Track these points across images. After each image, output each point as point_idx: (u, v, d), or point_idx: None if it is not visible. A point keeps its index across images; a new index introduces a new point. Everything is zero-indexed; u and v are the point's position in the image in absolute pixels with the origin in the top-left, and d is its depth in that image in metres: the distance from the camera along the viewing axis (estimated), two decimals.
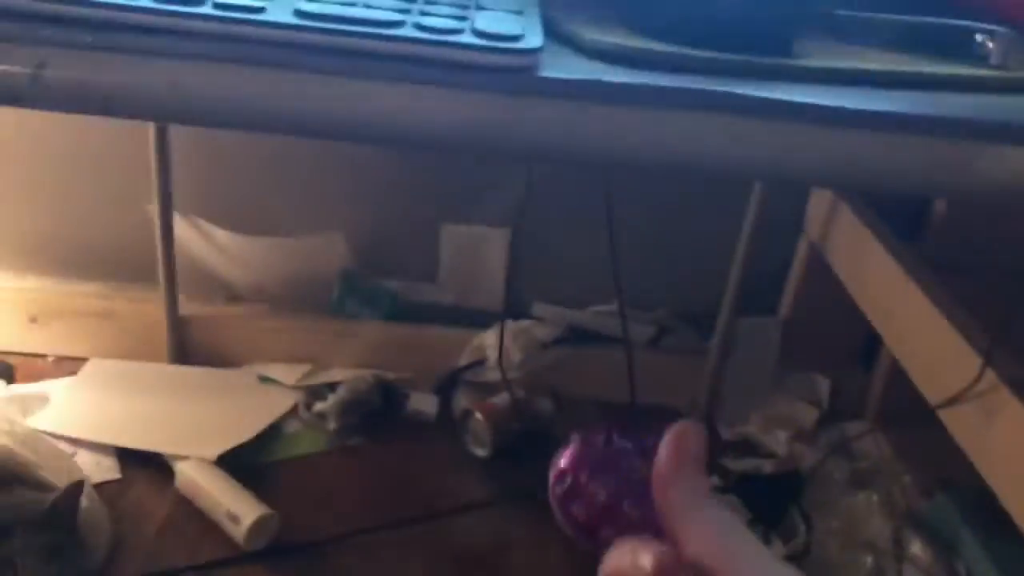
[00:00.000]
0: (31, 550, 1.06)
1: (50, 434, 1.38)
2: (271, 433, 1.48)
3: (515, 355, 1.57)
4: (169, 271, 1.55)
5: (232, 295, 1.67)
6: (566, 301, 1.67)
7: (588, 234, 1.62)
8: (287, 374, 1.59)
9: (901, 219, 1.36)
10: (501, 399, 1.52)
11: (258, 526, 1.24)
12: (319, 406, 1.53)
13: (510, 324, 1.59)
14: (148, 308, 1.60)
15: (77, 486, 1.14)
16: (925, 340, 1.11)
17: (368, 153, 1.55)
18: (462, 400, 1.56)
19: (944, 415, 1.03)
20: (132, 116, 0.54)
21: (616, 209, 1.60)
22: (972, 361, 0.99)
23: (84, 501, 1.17)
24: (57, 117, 1.49)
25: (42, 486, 1.16)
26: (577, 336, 1.64)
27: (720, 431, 1.60)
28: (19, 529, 1.06)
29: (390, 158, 1.56)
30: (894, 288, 1.19)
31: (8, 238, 1.62)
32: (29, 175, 1.58)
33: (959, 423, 1.01)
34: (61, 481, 1.21)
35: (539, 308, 1.66)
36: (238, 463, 1.36)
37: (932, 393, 1.06)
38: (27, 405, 1.44)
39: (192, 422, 1.46)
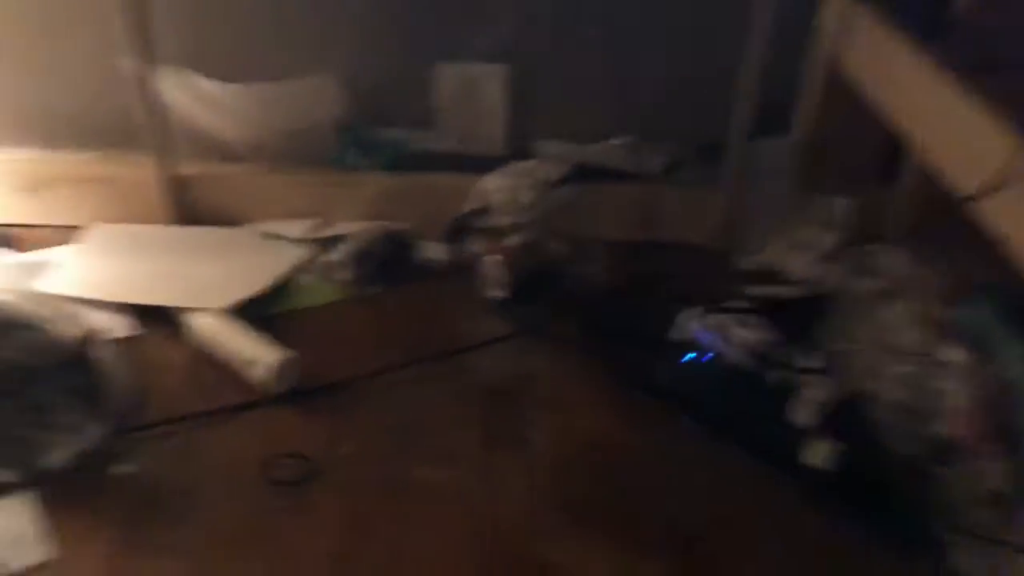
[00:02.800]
0: (59, 391, 1.06)
1: (62, 296, 1.36)
2: (285, 285, 1.47)
3: (523, 196, 1.53)
4: (159, 130, 1.50)
5: (230, 155, 1.63)
6: (571, 137, 1.62)
7: (592, 66, 1.57)
8: (293, 229, 1.57)
9: (920, 22, 1.30)
10: (513, 240, 1.50)
11: (278, 368, 1.24)
12: (330, 257, 1.51)
13: (515, 165, 1.55)
14: (146, 171, 1.56)
15: (91, 333, 1.14)
16: (956, 134, 1.07)
17: None
18: (473, 245, 1.54)
19: (977, 209, 1.00)
20: None
21: (619, 37, 1.55)
22: (1005, 150, 0.96)
23: (104, 350, 1.16)
24: None
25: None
26: (583, 173, 1.60)
27: (738, 261, 1.57)
28: (43, 372, 1.06)
29: None
30: (921, 87, 1.15)
31: (1, 112, 1.57)
32: (13, 47, 1.52)
33: (994, 213, 0.98)
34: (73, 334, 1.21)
35: (543, 146, 1.61)
36: (254, 316, 1.36)
37: (965, 187, 1.03)
38: (33, 270, 1.42)
39: (202, 278, 1.44)
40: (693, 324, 1.31)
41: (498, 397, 1.29)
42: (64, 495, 1.08)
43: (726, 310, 1.35)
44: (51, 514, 1.06)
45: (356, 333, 1.40)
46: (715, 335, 1.23)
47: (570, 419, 1.26)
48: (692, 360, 1.27)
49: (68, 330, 1.18)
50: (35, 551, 1.02)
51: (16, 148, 1.59)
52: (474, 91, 1.58)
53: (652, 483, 1.17)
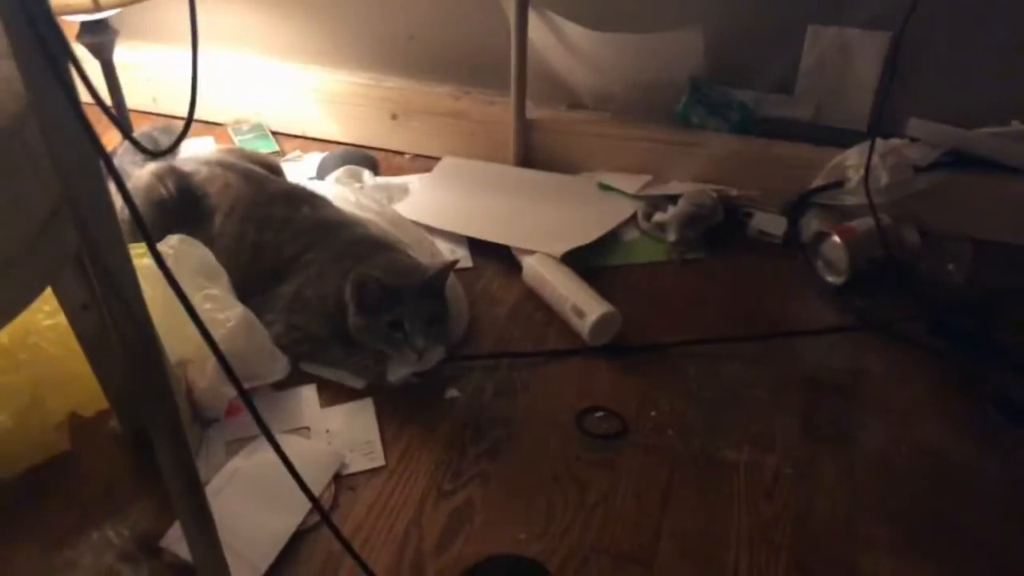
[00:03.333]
0: (416, 314, 1.15)
1: (414, 222, 1.47)
2: (610, 239, 1.47)
3: (881, 177, 1.40)
4: (520, 72, 1.55)
5: (575, 102, 1.65)
6: (949, 120, 1.44)
7: (983, 43, 1.38)
8: (628, 183, 1.56)
9: None
10: (862, 223, 1.38)
11: (603, 322, 1.25)
12: (659, 216, 1.49)
13: (879, 142, 1.41)
14: (497, 110, 1.62)
15: (451, 264, 1.21)
16: None
17: None
18: (815, 222, 1.44)
19: None
20: None
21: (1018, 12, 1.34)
22: None
23: (449, 281, 1.23)
24: None
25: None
26: (958, 160, 1.42)
27: None
28: (405, 293, 1.14)
29: None
30: None
31: (370, 41, 1.70)
32: None
33: None
34: (426, 260, 1.29)
35: (915, 126, 1.45)
36: (579, 264, 1.37)
37: None
38: (392, 193, 1.54)
39: (538, 221, 1.49)
40: None
41: (825, 389, 1.20)
42: (400, 410, 1.17)
43: None
44: (387, 426, 1.15)
45: (676, 298, 1.38)
46: None
47: (904, 425, 1.14)
48: None
49: (425, 257, 1.26)
50: (372, 457, 1.11)
51: (383, 75, 1.72)
52: (846, 58, 1.45)
53: (989, 511, 1.03)
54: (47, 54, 0.56)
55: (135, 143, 0.73)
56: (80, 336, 1.00)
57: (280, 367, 1.21)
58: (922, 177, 1.41)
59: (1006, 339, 1.22)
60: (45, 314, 1.08)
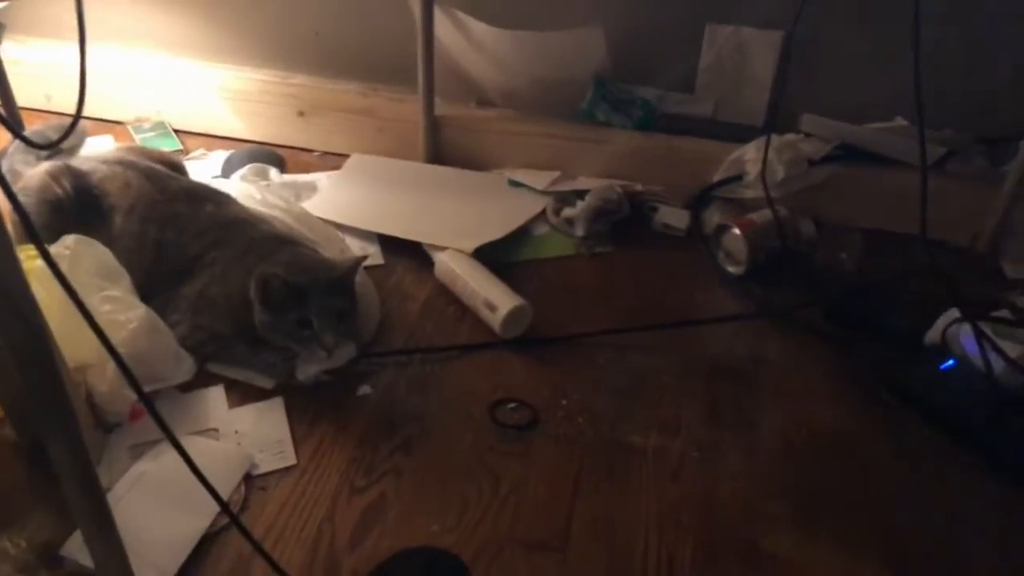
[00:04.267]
0: (323, 311, 1.13)
1: (322, 219, 1.45)
2: (520, 235, 1.49)
3: (778, 171, 1.46)
4: (427, 69, 1.56)
5: (483, 100, 1.66)
6: (839, 115, 1.51)
7: (871, 40, 1.45)
8: (536, 179, 1.58)
9: None
10: (760, 215, 1.44)
11: (514, 315, 1.27)
12: (568, 212, 1.51)
13: (774, 138, 1.47)
14: (406, 107, 1.63)
15: (359, 260, 1.20)
16: None
17: None
18: (716, 215, 1.49)
19: None
20: None
21: (904, 14, 1.41)
22: None
23: (359, 277, 1.23)
24: None
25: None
26: (848, 154, 1.49)
27: (1006, 269, 1.43)
28: (313, 292, 1.13)
29: None
30: None
31: (275, 37, 1.68)
32: None
33: None
34: (335, 257, 1.28)
35: (808, 122, 1.52)
36: (490, 259, 1.38)
37: None
38: (299, 191, 1.52)
39: (448, 217, 1.49)
40: (955, 329, 1.20)
41: (727, 376, 1.24)
42: (311, 409, 1.16)
43: (992, 319, 1.23)
44: (298, 424, 1.14)
45: (586, 290, 1.40)
46: (983, 345, 1.12)
47: (803, 409, 1.19)
48: (952, 368, 1.17)
49: (335, 253, 1.25)
50: (283, 456, 1.10)
51: (289, 72, 1.70)
52: (742, 56, 1.51)
53: (885, 490, 1.09)
54: None
55: (24, 139, 0.71)
56: None
57: (185, 368, 1.18)
58: (816, 170, 1.47)
59: (895, 323, 1.29)
60: None
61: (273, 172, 1.55)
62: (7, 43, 1.38)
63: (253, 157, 1.58)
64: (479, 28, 1.54)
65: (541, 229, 1.52)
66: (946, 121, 1.47)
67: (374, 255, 1.44)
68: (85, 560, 0.91)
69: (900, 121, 1.49)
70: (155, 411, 0.75)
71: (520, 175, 1.60)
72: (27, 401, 0.93)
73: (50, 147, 0.75)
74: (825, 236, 1.45)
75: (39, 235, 0.65)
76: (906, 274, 1.36)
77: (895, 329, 1.27)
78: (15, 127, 0.68)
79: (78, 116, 0.76)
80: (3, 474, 1.06)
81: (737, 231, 1.40)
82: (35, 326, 0.67)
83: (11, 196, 0.61)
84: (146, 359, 1.11)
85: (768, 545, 1.01)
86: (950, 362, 1.18)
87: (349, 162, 1.64)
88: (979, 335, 1.11)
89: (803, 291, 1.38)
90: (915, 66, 1.10)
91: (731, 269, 1.43)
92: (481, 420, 1.16)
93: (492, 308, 1.28)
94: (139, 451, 1.09)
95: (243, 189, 1.45)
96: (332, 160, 1.67)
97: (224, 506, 0.81)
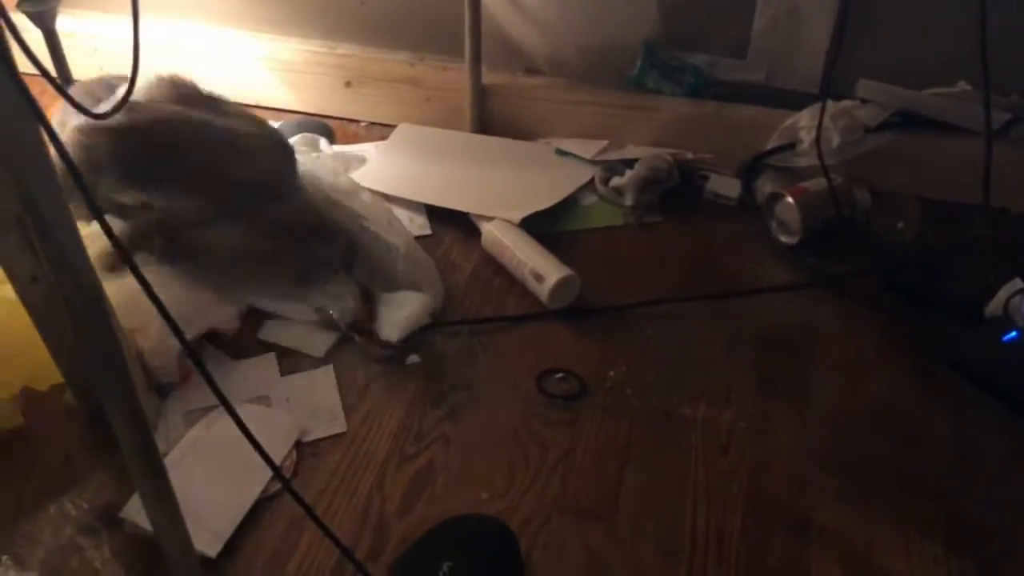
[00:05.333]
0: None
1: (368, 190, 1.46)
2: (568, 204, 1.48)
3: (833, 138, 1.42)
4: (475, 37, 1.54)
5: (530, 67, 1.64)
6: (897, 80, 1.46)
7: (929, 4, 1.40)
8: (584, 148, 1.56)
9: None
10: (814, 184, 1.40)
11: (561, 285, 1.26)
12: (616, 181, 1.50)
13: (830, 104, 1.43)
14: (453, 76, 1.61)
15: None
16: None
17: None
18: (768, 184, 1.46)
19: None
20: None
21: None
22: None
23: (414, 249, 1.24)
24: None
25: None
26: (907, 121, 1.45)
27: None
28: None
29: None
30: None
31: (321, 7, 1.67)
32: None
33: None
34: (384, 230, 1.29)
35: (864, 87, 1.47)
36: (537, 229, 1.38)
37: None
38: (349, 162, 1.52)
39: (495, 187, 1.49)
40: (1018, 300, 1.16)
41: (779, 346, 1.22)
42: (361, 377, 1.17)
43: None
44: (348, 392, 1.15)
45: (634, 260, 1.39)
46: None
47: (857, 380, 1.17)
48: (1016, 339, 1.14)
49: (382, 227, 1.27)
50: (333, 423, 1.11)
51: (335, 42, 1.70)
52: (797, 20, 1.46)
53: (940, 464, 1.06)
54: None
55: (78, 106, 0.71)
56: (30, 309, 0.99)
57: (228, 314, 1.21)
58: (872, 137, 1.43)
59: (954, 293, 1.25)
60: None
61: (323, 143, 1.55)
62: (62, 16, 1.39)
63: (302, 127, 1.59)
64: None
65: (589, 199, 1.50)
66: (1012, 85, 1.42)
67: (422, 225, 1.44)
68: (144, 522, 0.93)
69: (963, 86, 1.44)
70: (205, 369, 0.76)
71: (568, 144, 1.58)
72: (85, 367, 0.96)
73: (103, 117, 0.76)
74: (882, 205, 1.41)
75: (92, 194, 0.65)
76: (966, 243, 1.32)
77: (954, 299, 1.24)
78: (69, 94, 0.68)
79: (131, 89, 0.76)
80: (63, 439, 1.09)
81: (790, 199, 1.37)
82: (92, 291, 0.69)
83: (65, 158, 0.62)
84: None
85: (819, 518, 1.00)
86: (1013, 334, 1.15)
87: (396, 132, 1.63)
88: None
89: (858, 261, 1.35)
90: (980, 28, 1.06)
91: (784, 239, 1.40)
92: (529, 390, 1.16)
93: (539, 278, 1.27)
94: (193, 417, 1.11)
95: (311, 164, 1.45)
96: (379, 130, 1.67)
97: (277, 471, 0.83)
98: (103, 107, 1.23)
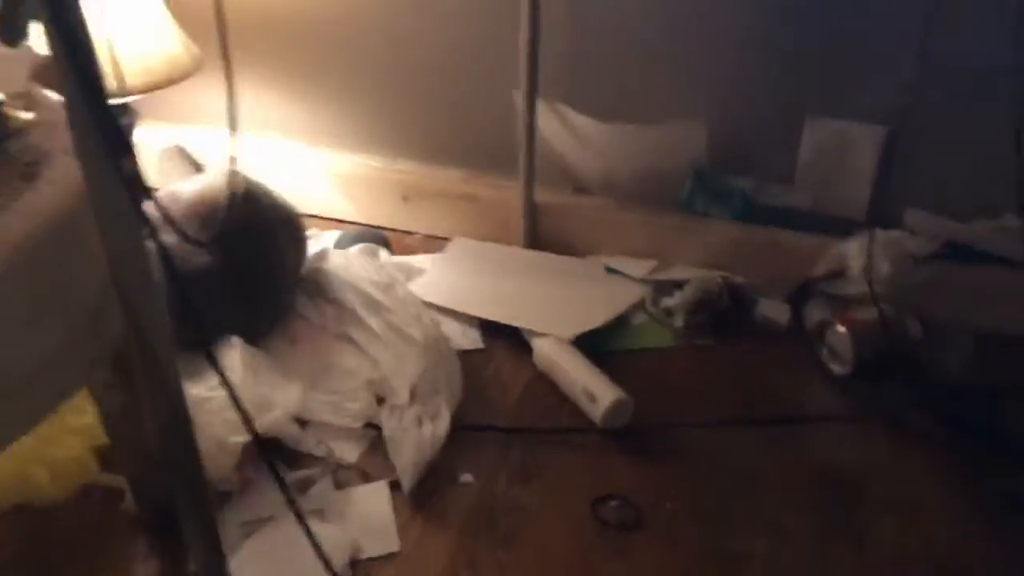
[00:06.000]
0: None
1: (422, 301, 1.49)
2: (618, 323, 1.50)
3: (882, 268, 1.44)
4: (529, 158, 1.60)
5: (580, 187, 1.69)
6: (944, 211, 1.49)
7: (980, 137, 1.44)
8: (635, 267, 1.60)
9: None
10: (866, 313, 1.41)
11: (615, 407, 1.27)
12: (667, 302, 1.52)
13: (879, 233, 1.46)
14: (506, 194, 1.67)
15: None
16: None
17: (736, 37, 1.47)
18: (818, 310, 1.47)
19: None
20: None
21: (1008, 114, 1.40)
22: None
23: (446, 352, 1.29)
24: (433, 10, 1.57)
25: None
26: (957, 252, 1.47)
27: None
28: None
29: (758, 41, 1.47)
30: None
31: (383, 125, 1.74)
32: (402, 67, 1.67)
33: None
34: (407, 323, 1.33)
35: (912, 217, 1.50)
36: (588, 346, 1.39)
37: None
38: (408, 272, 1.56)
39: (547, 303, 1.51)
40: None
41: (834, 481, 1.22)
42: (415, 494, 1.18)
43: None
44: (401, 510, 1.16)
45: (685, 382, 1.40)
46: None
47: (917, 521, 1.16)
48: None
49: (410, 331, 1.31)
50: (387, 541, 1.11)
51: (395, 158, 1.76)
52: (844, 149, 1.50)
53: None
54: (109, 150, 0.59)
55: (183, 235, 0.75)
56: (105, 415, 1.01)
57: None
58: (922, 268, 1.45)
59: (1010, 429, 1.25)
60: None
61: (383, 253, 1.60)
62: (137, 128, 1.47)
63: (362, 238, 1.64)
64: (580, 120, 1.58)
65: (639, 318, 1.52)
66: None
67: (474, 339, 1.46)
68: None
69: (1010, 219, 1.46)
70: (278, 474, 0.77)
71: (618, 262, 1.61)
72: (160, 476, 0.98)
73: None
74: (933, 336, 1.42)
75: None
76: (1022, 377, 1.32)
77: (1012, 436, 1.23)
78: (173, 219, 0.72)
79: (228, 212, 0.80)
80: (122, 545, 1.09)
81: (842, 328, 1.39)
82: (182, 414, 0.71)
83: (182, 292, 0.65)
84: None
85: None
86: None
87: (451, 246, 1.68)
88: None
89: (911, 393, 1.34)
90: (1018, 170, 1.08)
91: (835, 368, 1.41)
92: (583, 516, 1.16)
93: (592, 399, 1.28)
94: (250, 528, 1.12)
95: (361, 262, 1.49)
96: (434, 243, 1.71)
97: None
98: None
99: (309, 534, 0.79)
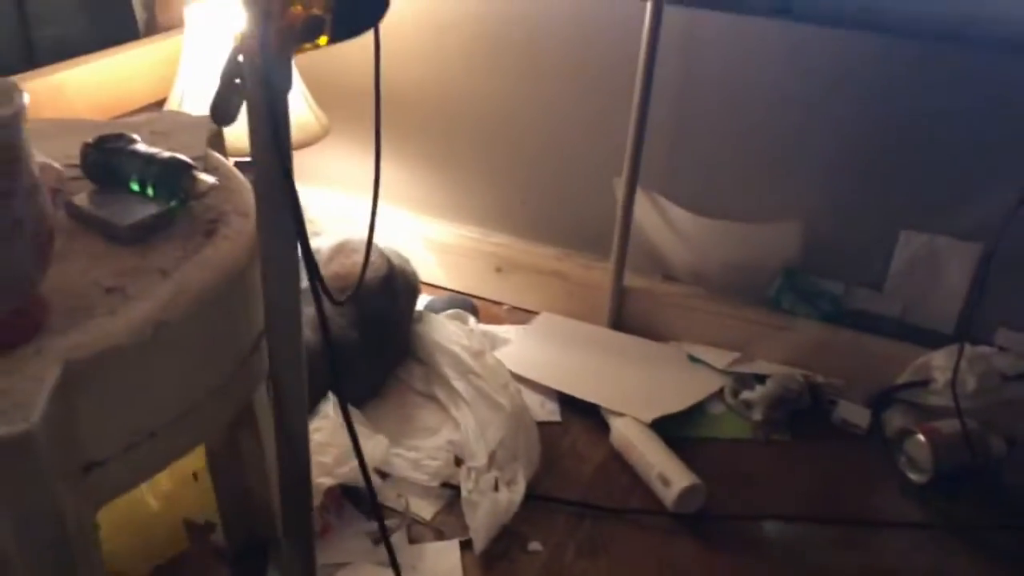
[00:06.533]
0: None
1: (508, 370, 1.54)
2: (696, 411, 1.52)
3: (969, 382, 1.44)
4: (622, 242, 1.66)
5: (668, 274, 1.74)
6: None
7: None
8: (717, 358, 1.62)
9: None
10: (947, 425, 1.41)
11: (688, 493, 1.29)
12: (747, 394, 1.54)
13: (967, 348, 1.46)
14: (595, 274, 1.72)
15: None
16: None
17: (837, 145, 1.52)
18: (898, 417, 1.47)
19: None
20: None
21: None
22: None
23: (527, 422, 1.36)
24: (548, 96, 1.66)
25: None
26: None
27: None
28: None
29: (859, 152, 1.51)
30: None
31: (484, 199, 1.83)
32: (510, 146, 1.76)
33: None
34: (495, 391, 1.38)
35: (1004, 336, 1.50)
36: (665, 431, 1.42)
37: None
38: (494, 340, 1.62)
39: (628, 384, 1.55)
40: None
41: None
42: (485, 557, 1.21)
43: None
44: (471, 571, 1.19)
45: (759, 476, 1.41)
46: None
47: None
48: None
49: (497, 396, 1.36)
50: None
51: (491, 231, 1.85)
52: (936, 263, 1.52)
53: None
54: (286, 206, 0.67)
55: (328, 294, 0.81)
56: (209, 451, 1.08)
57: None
58: (1010, 386, 1.44)
59: None
60: None
61: (472, 320, 1.67)
62: None
63: (452, 303, 1.71)
64: (677, 212, 1.64)
65: (717, 408, 1.55)
66: None
67: (552, 412, 1.51)
68: None
69: None
70: (390, 544, 0.82)
71: (700, 351, 1.64)
72: (251, 512, 1.04)
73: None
74: (1018, 456, 1.40)
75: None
76: None
77: None
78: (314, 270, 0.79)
79: (363, 275, 0.88)
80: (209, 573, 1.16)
81: (922, 438, 1.38)
82: (303, 447, 0.77)
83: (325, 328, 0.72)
84: None
85: None
86: None
87: (538, 319, 1.74)
88: None
89: (992, 511, 1.33)
90: None
91: (913, 476, 1.40)
92: None
93: (666, 482, 1.30)
94: (328, 571, 1.16)
95: (452, 326, 1.58)
96: (520, 315, 1.78)
97: None
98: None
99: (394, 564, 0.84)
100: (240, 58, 0.64)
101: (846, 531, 1.29)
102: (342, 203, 1.89)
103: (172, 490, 1.17)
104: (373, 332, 1.46)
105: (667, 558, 1.23)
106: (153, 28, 1.68)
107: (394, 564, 0.86)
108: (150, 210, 0.78)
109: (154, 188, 0.79)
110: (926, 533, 1.30)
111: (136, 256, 0.74)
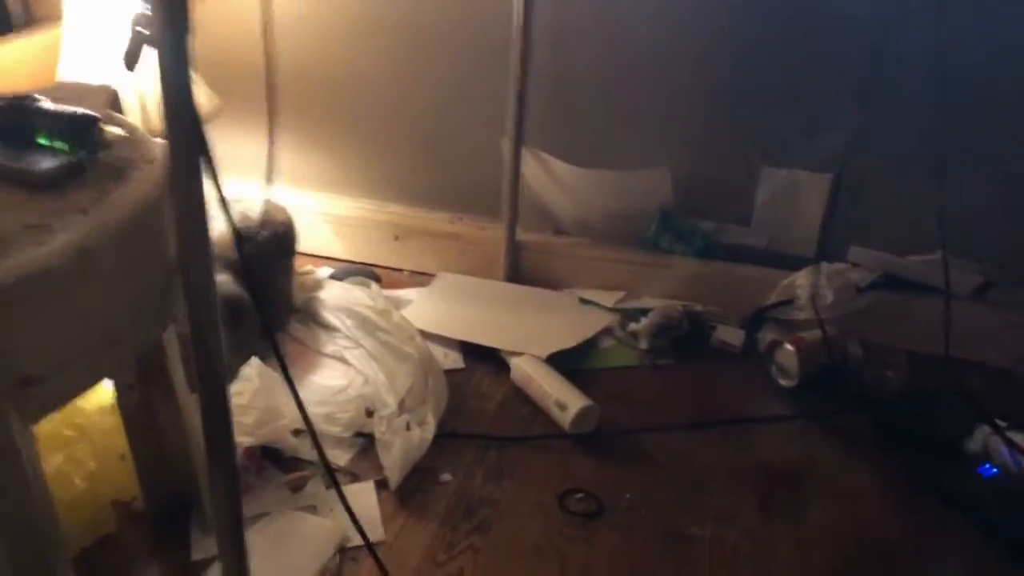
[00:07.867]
0: None
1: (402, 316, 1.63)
2: (589, 345, 1.64)
3: (827, 295, 1.60)
4: (513, 200, 1.76)
5: (558, 229, 1.85)
6: (884, 248, 1.65)
7: (913, 181, 1.61)
8: (605, 298, 1.75)
9: None
10: (811, 334, 1.56)
11: (583, 414, 1.40)
12: (633, 327, 1.66)
13: (824, 266, 1.62)
14: (489, 233, 1.82)
15: None
16: None
17: (699, 96, 1.65)
18: (769, 333, 1.62)
19: None
20: None
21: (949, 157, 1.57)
22: None
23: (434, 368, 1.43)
24: (428, 65, 1.75)
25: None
26: (892, 282, 1.63)
27: None
28: None
29: (718, 99, 1.65)
30: None
31: (378, 172, 1.91)
32: (396, 117, 1.84)
33: None
34: (403, 342, 1.47)
35: (855, 253, 1.67)
36: (561, 366, 1.53)
37: None
38: (397, 302, 1.71)
39: (524, 328, 1.66)
40: (993, 438, 1.29)
41: (779, 475, 1.35)
42: (398, 492, 1.30)
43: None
44: (386, 505, 1.28)
45: (646, 396, 1.54)
46: (1018, 454, 1.21)
47: (851, 508, 1.29)
48: (990, 473, 1.26)
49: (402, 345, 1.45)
50: (373, 531, 1.23)
51: (386, 202, 1.93)
52: (795, 195, 1.67)
53: None
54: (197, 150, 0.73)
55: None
56: (123, 411, 1.14)
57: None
58: (862, 296, 1.61)
59: (938, 431, 1.39)
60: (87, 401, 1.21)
61: (374, 286, 1.75)
62: None
63: (354, 273, 1.79)
64: (560, 167, 1.75)
65: (608, 342, 1.67)
66: (986, 254, 1.60)
67: (455, 360, 1.60)
68: None
69: (941, 255, 1.62)
70: (329, 466, 0.90)
71: (590, 294, 1.77)
72: (170, 472, 1.10)
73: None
74: (872, 356, 1.56)
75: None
76: (946, 390, 1.46)
77: (939, 437, 1.37)
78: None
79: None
80: (130, 540, 1.20)
81: (789, 347, 1.53)
82: (221, 381, 0.84)
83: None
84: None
85: None
86: (993, 470, 1.27)
87: (437, 279, 1.83)
88: (1009, 443, 1.21)
89: (851, 405, 1.49)
90: (938, 212, 1.24)
91: (783, 382, 1.55)
92: (550, 508, 1.28)
93: (563, 407, 1.42)
94: (250, 524, 1.23)
95: (360, 291, 1.67)
96: (421, 279, 1.86)
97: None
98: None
99: (338, 488, 0.91)
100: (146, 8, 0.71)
101: (724, 432, 1.43)
102: (234, 188, 1.94)
103: (97, 470, 1.20)
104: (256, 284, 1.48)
105: (566, 473, 1.35)
106: (31, 21, 1.70)
107: (333, 478, 0.93)
108: (63, 160, 0.84)
109: (63, 141, 0.85)
110: (795, 425, 1.45)
111: (55, 200, 0.83)
